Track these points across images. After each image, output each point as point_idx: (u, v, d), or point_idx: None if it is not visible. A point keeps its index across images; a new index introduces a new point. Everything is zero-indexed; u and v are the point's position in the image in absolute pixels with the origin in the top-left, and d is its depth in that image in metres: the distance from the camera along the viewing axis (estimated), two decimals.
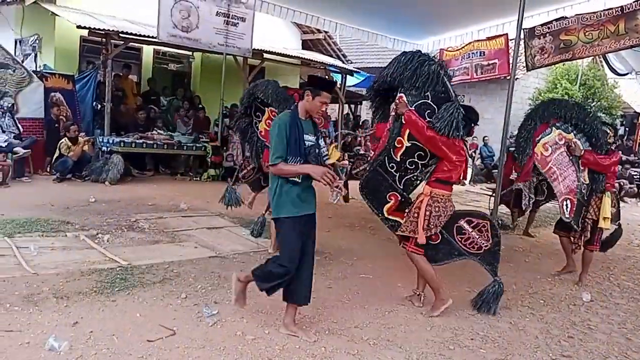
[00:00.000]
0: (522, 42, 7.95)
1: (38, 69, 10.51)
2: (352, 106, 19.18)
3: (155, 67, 13.12)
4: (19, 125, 9.24)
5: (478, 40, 10.46)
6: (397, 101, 4.30)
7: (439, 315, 4.26)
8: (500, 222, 6.88)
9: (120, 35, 10.06)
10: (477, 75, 10.68)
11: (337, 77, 14.84)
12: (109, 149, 9.50)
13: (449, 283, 4.86)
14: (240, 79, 11.88)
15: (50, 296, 3.93)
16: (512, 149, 7.79)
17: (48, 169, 9.49)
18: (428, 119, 4.18)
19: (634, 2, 7.02)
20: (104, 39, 10.25)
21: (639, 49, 8.90)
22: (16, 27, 11.76)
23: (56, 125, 9.76)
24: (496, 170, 5.85)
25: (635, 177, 13.90)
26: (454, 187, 4.43)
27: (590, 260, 5.70)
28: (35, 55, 11.36)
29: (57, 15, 10.31)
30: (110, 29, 9.89)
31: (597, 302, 5.15)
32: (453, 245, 4.37)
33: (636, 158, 15.06)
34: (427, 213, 4.20)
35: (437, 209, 4.21)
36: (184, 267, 4.92)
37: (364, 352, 3.52)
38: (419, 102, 4.25)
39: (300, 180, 3.51)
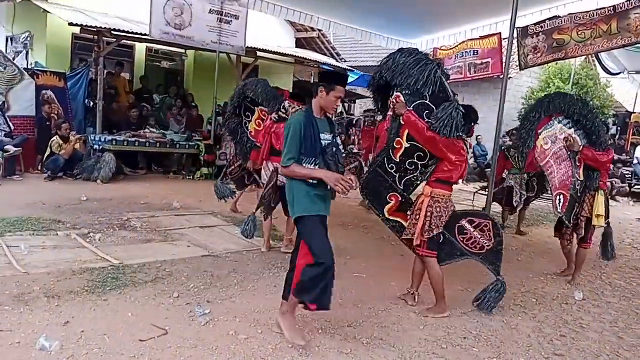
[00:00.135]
0: (515, 41, 7.97)
1: (29, 67, 10.43)
2: (346, 105, 19.17)
3: (148, 65, 13.05)
4: (10, 124, 9.16)
5: (471, 40, 10.49)
6: (395, 100, 4.28)
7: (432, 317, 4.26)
8: None
9: (113, 32, 10.00)
10: (470, 74, 10.71)
11: None
12: (101, 147, 9.44)
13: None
14: (234, 77, 11.84)
15: (42, 296, 3.90)
16: (504, 147, 7.84)
17: (39, 168, 9.43)
18: (427, 120, 4.16)
19: (626, 1, 7.06)
20: (96, 37, 10.19)
21: (632, 48, 8.93)
22: (7, 24, 11.67)
23: (48, 123, 9.68)
24: (489, 170, 5.84)
25: (627, 176, 13.98)
26: None
27: (584, 258, 5.72)
28: (27, 53, 11.28)
29: (48, 12, 10.24)
30: (103, 27, 9.83)
31: (589, 300, 5.17)
32: (455, 246, 4.36)
33: (628, 157, 15.14)
34: (429, 214, 4.18)
35: (438, 209, 4.19)
36: (176, 267, 4.89)
37: (357, 352, 3.51)
38: (417, 102, 4.22)
39: (317, 183, 3.40)
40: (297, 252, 3.55)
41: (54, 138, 9.13)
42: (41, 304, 3.76)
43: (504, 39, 9.34)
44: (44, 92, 9.76)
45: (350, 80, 15.68)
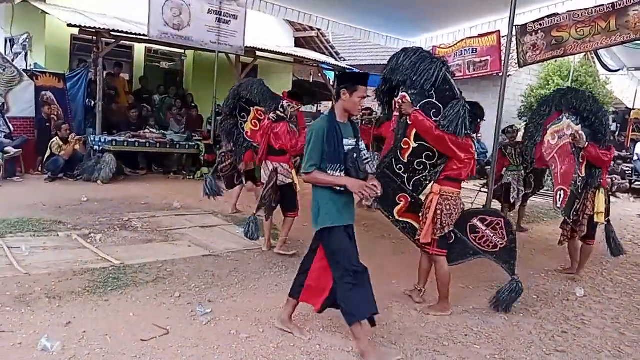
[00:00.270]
0: (514, 39, 7.96)
1: (29, 68, 10.42)
2: None
3: (147, 66, 13.04)
4: (10, 125, 9.17)
5: (470, 37, 10.47)
6: (401, 100, 4.24)
7: (434, 315, 4.27)
8: None
9: (111, 33, 9.98)
10: (469, 72, 10.69)
11: (330, 75, 14.82)
12: (101, 147, 9.44)
13: None
14: (233, 77, 11.83)
15: (43, 296, 3.90)
16: (502, 145, 7.85)
17: (39, 169, 9.43)
18: (434, 119, 4.14)
19: None
20: (94, 38, 10.18)
21: (630, 45, 8.93)
22: (6, 25, 11.65)
23: (47, 124, 9.69)
24: (489, 167, 5.84)
25: (627, 172, 13.98)
26: None
27: (588, 255, 5.75)
28: (26, 54, 11.24)
29: (47, 13, 10.23)
30: (101, 27, 9.82)
31: (591, 297, 5.17)
32: (467, 245, 4.34)
33: (628, 154, 15.14)
34: (438, 212, 4.16)
35: (447, 207, 4.17)
36: (177, 266, 4.90)
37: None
38: (424, 101, 4.20)
39: (343, 190, 3.30)
40: (313, 255, 3.52)
41: (54, 139, 9.14)
42: (42, 305, 3.76)
43: (503, 36, 9.33)
44: (43, 93, 9.76)
45: None
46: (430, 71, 4.16)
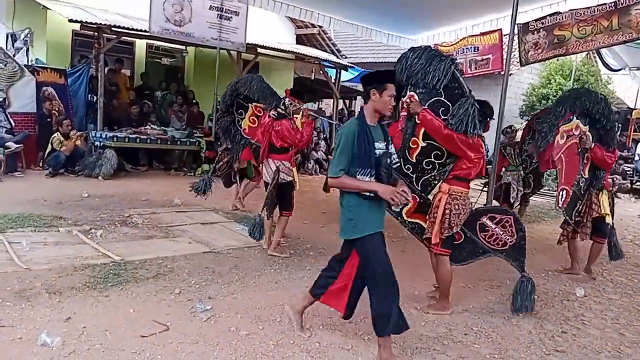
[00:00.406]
0: (516, 38, 7.94)
1: (30, 63, 10.41)
2: (347, 101, 19.15)
3: (148, 62, 13.02)
4: (11, 120, 9.17)
5: (472, 36, 10.45)
6: (409, 100, 4.22)
7: (433, 313, 4.27)
8: None
9: (113, 29, 9.99)
10: (471, 70, 10.67)
11: (332, 72, 14.80)
12: (102, 143, 9.44)
13: None
14: (234, 73, 11.81)
15: (43, 291, 3.91)
16: (501, 145, 7.84)
17: (40, 164, 9.44)
18: (443, 117, 4.11)
19: None
20: (96, 33, 10.17)
21: (633, 44, 8.91)
22: (7, 21, 11.64)
23: (48, 119, 9.69)
24: (490, 166, 5.83)
25: (628, 172, 13.97)
26: None
27: (598, 252, 5.76)
28: (27, 49, 11.25)
29: (48, 8, 10.20)
30: (102, 23, 9.82)
31: (591, 297, 5.17)
32: (477, 244, 4.32)
33: (629, 154, 15.13)
34: (447, 212, 4.13)
35: (456, 206, 4.14)
36: (177, 263, 4.90)
37: (358, 347, 3.52)
38: (432, 100, 4.17)
39: (374, 195, 3.18)
40: (344, 263, 3.46)
41: (55, 134, 9.14)
42: (42, 300, 3.76)
43: (505, 35, 9.31)
44: (44, 88, 9.76)
45: (350, 76, 15.69)
46: (439, 69, 4.12)
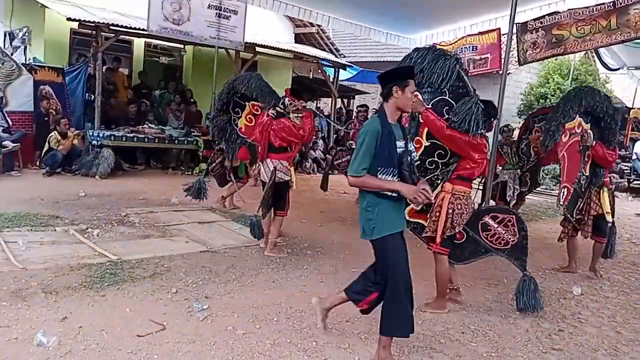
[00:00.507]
0: (514, 37, 7.95)
1: (27, 62, 10.39)
2: (345, 100, 19.15)
3: (146, 60, 13.01)
4: (8, 119, 9.16)
5: (470, 35, 10.44)
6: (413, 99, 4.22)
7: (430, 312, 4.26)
8: None
9: (111, 27, 9.97)
10: (469, 70, 10.65)
11: (330, 71, 14.79)
12: (99, 142, 9.42)
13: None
14: (233, 72, 11.78)
15: (39, 291, 3.89)
16: (497, 144, 7.84)
17: (38, 163, 9.42)
18: (447, 116, 4.10)
19: None
20: (94, 32, 10.16)
21: (631, 44, 8.92)
22: (5, 19, 11.62)
23: (46, 118, 9.67)
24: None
25: (625, 171, 13.98)
26: None
27: (600, 251, 5.76)
28: (25, 48, 11.23)
29: (46, 7, 10.19)
30: (101, 22, 9.80)
31: (588, 295, 5.17)
32: (479, 243, 4.33)
33: (627, 152, 15.14)
34: (450, 211, 4.12)
35: (459, 206, 4.13)
36: (174, 262, 4.89)
37: (355, 346, 3.52)
38: (436, 98, 4.16)
39: (397, 195, 3.14)
40: None
41: (52, 133, 9.12)
42: (39, 300, 3.75)
43: (503, 34, 9.30)
44: (42, 87, 9.74)
45: (348, 75, 15.69)
46: (444, 68, 4.11)
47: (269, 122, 5.39)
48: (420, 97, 4.17)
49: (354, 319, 3.98)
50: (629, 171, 14.16)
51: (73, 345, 3.15)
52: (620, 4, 7.09)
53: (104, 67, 10.64)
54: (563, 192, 5.10)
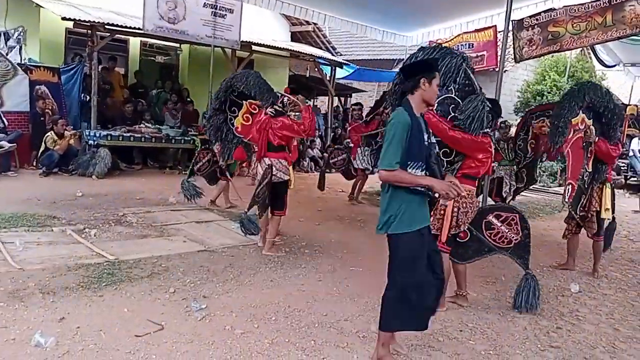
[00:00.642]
0: (510, 34, 7.94)
1: (23, 62, 10.35)
2: (342, 99, 19.13)
3: (142, 60, 12.97)
4: (4, 119, 9.13)
5: (467, 32, 10.44)
6: None
7: None
8: None
9: (106, 27, 9.93)
10: None
11: (327, 70, 14.77)
12: (96, 142, 9.40)
13: None
14: (229, 71, 11.73)
15: (36, 292, 3.88)
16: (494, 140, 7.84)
17: (34, 163, 9.39)
18: (453, 114, 4.08)
19: None
20: (89, 31, 10.11)
21: (627, 40, 8.91)
22: (0, 19, 11.56)
23: (42, 118, 9.64)
24: None
25: (622, 168, 14.02)
26: None
27: (600, 250, 5.77)
28: (20, 48, 11.18)
29: (41, 6, 10.14)
30: (96, 21, 9.76)
31: (585, 293, 5.18)
32: (483, 242, 4.33)
33: (624, 149, 15.18)
34: (455, 210, 4.10)
35: (464, 205, 4.11)
36: (172, 262, 4.88)
37: (353, 345, 3.52)
38: (443, 96, 4.13)
39: (423, 190, 3.07)
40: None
41: (49, 133, 9.10)
42: (36, 300, 3.74)
43: (499, 31, 9.31)
44: (37, 87, 9.71)
45: (345, 74, 15.67)
46: (450, 66, 4.08)
47: (267, 121, 5.35)
48: None
49: (353, 317, 3.98)
50: (625, 168, 14.20)
51: (71, 345, 3.14)
52: (616, 0, 7.10)
53: (100, 67, 10.60)
54: (568, 189, 5.10)
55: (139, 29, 9.69)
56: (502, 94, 5.90)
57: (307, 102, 5.66)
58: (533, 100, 16.10)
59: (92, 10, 10.46)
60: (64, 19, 9.47)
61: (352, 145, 9.03)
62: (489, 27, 10.02)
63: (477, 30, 10.28)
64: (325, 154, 12.50)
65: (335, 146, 10.63)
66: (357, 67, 15.95)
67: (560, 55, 15.42)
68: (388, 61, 18.66)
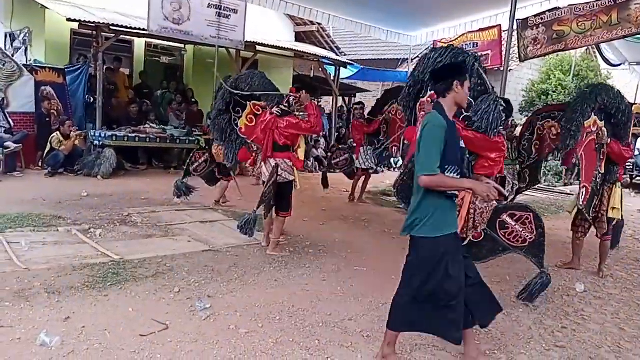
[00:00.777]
0: (515, 33, 7.93)
1: (28, 63, 10.41)
2: (346, 99, 19.13)
3: (147, 60, 13.01)
4: (10, 120, 9.16)
5: (471, 32, 10.46)
6: (430, 99, 4.15)
7: None
8: None
9: (111, 27, 9.97)
10: None
11: (331, 70, 14.78)
12: (101, 142, 9.43)
13: None
14: (234, 71, 11.77)
15: (42, 291, 3.90)
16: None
17: (40, 164, 9.43)
18: (465, 113, 4.07)
19: None
20: (94, 32, 10.16)
21: (632, 39, 8.89)
22: (6, 20, 11.63)
23: (47, 119, 9.69)
24: None
25: (627, 167, 13.95)
26: None
27: (607, 250, 5.74)
28: (26, 49, 11.25)
29: (47, 8, 10.19)
30: (101, 22, 9.80)
31: (591, 292, 5.16)
32: (497, 241, 4.32)
33: (629, 148, 15.11)
34: (471, 210, 4.08)
35: (480, 206, 4.10)
36: (177, 261, 4.89)
37: (357, 345, 3.52)
38: None
39: (457, 193, 3.05)
40: (470, 265, 3.27)
41: (54, 134, 9.14)
42: (42, 300, 3.76)
43: (504, 30, 9.30)
44: (43, 88, 9.75)
45: (349, 74, 15.66)
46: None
47: (273, 121, 5.33)
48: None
49: (357, 317, 3.98)
50: (631, 167, 14.13)
51: (76, 345, 3.16)
52: None
53: (105, 67, 10.64)
54: (582, 193, 5.09)
55: (143, 29, 9.72)
56: (507, 93, 5.90)
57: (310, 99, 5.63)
58: (538, 100, 16.05)
59: (97, 12, 10.51)
60: (69, 20, 9.51)
61: (355, 144, 9.02)
62: (494, 27, 10.03)
63: (481, 30, 10.29)
64: (329, 154, 12.51)
65: (339, 146, 10.63)
66: (362, 67, 15.95)
67: (565, 54, 15.38)
68: (392, 61, 18.64)
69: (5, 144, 8.66)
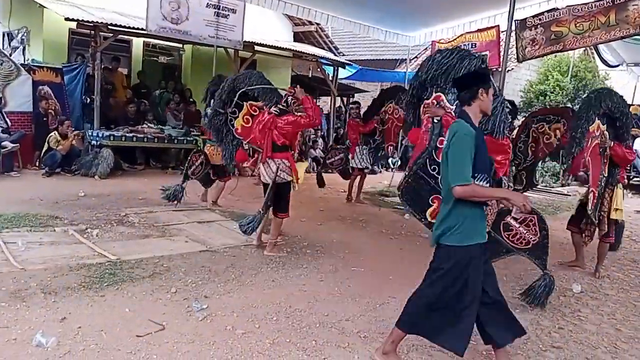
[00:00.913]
0: (513, 34, 7.94)
1: (26, 62, 10.39)
2: (345, 99, 19.13)
3: (145, 60, 13.00)
4: (7, 119, 9.14)
5: (470, 32, 10.45)
6: (435, 101, 4.13)
7: None
8: None
9: (109, 27, 9.95)
10: None
11: (329, 70, 14.78)
12: (98, 142, 9.41)
13: None
14: (232, 71, 11.76)
15: (38, 292, 3.89)
16: None
17: (37, 164, 9.41)
18: None
19: None
20: (92, 32, 10.13)
21: (630, 40, 8.90)
22: (4, 19, 11.62)
23: (45, 119, 9.67)
24: None
25: (625, 168, 13.97)
26: None
27: (605, 251, 5.75)
28: (24, 48, 11.23)
29: (45, 7, 10.17)
30: (99, 21, 9.78)
31: (587, 293, 5.17)
32: (501, 243, 4.33)
33: (631, 151, 15.14)
34: None
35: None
36: (174, 262, 4.88)
37: (355, 345, 3.51)
38: None
39: (488, 201, 3.01)
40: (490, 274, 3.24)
41: (52, 133, 9.12)
42: (38, 300, 3.75)
43: (502, 31, 9.31)
44: (40, 87, 9.73)
45: (348, 74, 15.67)
46: (469, 69, 4.04)
47: (271, 120, 5.30)
48: (443, 97, 4.12)
49: (354, 318, 3.98)
50: (628, 168, 14.15)
51: (72, 345, 3.15)
52: (619, 0, 7.09)
53: (103, 67, 10.62)
54: (590, 197, 5.09)
55: (142, 29, 9.71)
56: (505, 94, 5.88)
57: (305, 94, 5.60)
58: (536, 100, 16.06)
59: (95, 11, 10.49)
60: (67, 19, 9.49)
61: (351, 144, 9.01)
62: (492, 27, 10.02)
63: (479, 30, 10.28)
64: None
65: (336, 146, 10.62)
66: (360, 67, 15.95)
67: (563, 55, 15.38)
68: (391, 61, 18.64)
69: (3, 143, 8.65)
